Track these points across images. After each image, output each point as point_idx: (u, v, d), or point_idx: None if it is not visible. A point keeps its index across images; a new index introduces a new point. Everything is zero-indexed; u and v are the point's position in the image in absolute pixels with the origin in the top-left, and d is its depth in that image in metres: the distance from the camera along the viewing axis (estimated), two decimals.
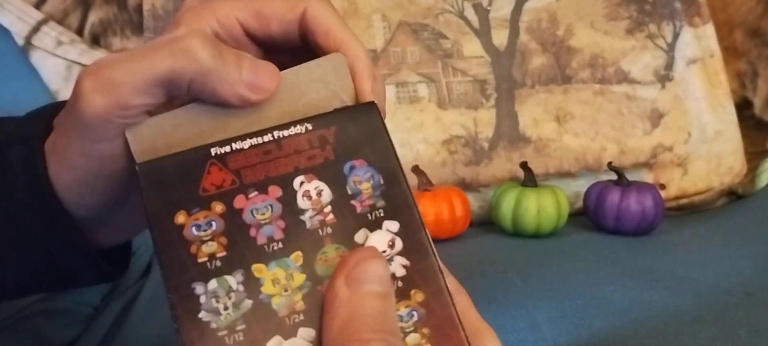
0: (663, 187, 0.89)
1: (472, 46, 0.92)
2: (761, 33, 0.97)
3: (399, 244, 0.24)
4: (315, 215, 0.24)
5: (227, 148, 0.24)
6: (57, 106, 0.30)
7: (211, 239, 0.22)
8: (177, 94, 0.25)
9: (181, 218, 0.23)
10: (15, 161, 0.27)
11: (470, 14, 0.93)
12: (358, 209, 0.24)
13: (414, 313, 0.22)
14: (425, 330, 0.22)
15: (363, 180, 0.24)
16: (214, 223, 0.23)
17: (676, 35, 0.94)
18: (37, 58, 0.85)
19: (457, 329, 0.22)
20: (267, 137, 0.24)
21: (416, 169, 0.80)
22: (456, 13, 0.93)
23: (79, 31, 0.89)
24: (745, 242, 0.72)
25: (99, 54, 0.87)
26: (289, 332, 0.22)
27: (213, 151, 0.24)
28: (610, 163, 0.81)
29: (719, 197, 0.90)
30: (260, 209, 0.23)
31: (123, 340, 0.52)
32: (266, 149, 0.24)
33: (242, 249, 0.23)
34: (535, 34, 0.93)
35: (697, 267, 0.62)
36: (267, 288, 0.22)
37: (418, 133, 0.88)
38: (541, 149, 0.89)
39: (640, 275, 0.59)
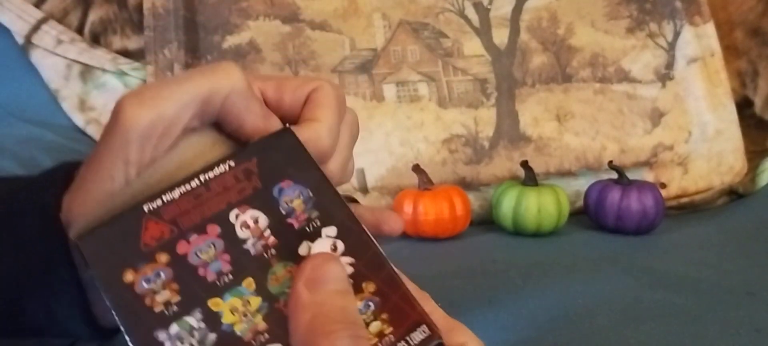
0: (664, 186, 0.89)
1: (473, 45, 0.92)
2: (762, 32, 0.97)
3: (341, 246, 0.25)
4: (257, 241, 0.25)
5: (158, 202, 0.25)
6: (69, 168, 0.30)
7: (163, 288, 0.23)
8: (211, 112, 0.27)
9: (129, 276, 0.23)
10: (29, 231, 0.28)
11: (471, 13, 0.93)
12: (296, 225, 0.25)
13: (370, 303, 0.24)
14: (384, 315, 0.24)
15: (294, 198, 0.26)
16: (162, 273, 0.24)
17: (676, 34, 0.94)
18: (37, 56, 0.85)
19: (413, 305, 0.24)
20: (194, 183, 0.25)
21: (417, 169, 0.80)
22: (456, 12, 0.93)
23: (79, 30, 0.88)
24: (746, 241, 0.72)
25: (99, 53, 0.86)
26: None
27: (146, 208, 0.25)
28: (610, 162, 0.81)
29: (720, 196, 0.90)
30: (203, 249, 0.24)
31: (123, 339, 0.52)
32: (196, 193, 0.25)
33: (195, 289, 0.24)
34: (536, 33, 0.93)
35: (698, 266, 0.62)
36: (227, 318, 0.23)
37: (418, 132, 0.88)
38: (542, 148, 0.89)
39: (641, 274, 0.59)
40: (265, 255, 0.25)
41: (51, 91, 0.86)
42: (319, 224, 0.25)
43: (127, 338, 0.23)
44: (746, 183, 0.91)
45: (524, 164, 0.80)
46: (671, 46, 0.93)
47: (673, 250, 0.70)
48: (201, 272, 0.24)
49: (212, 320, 0.23)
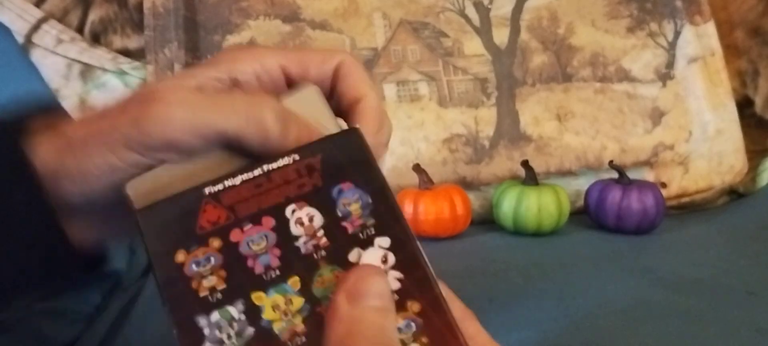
0: (664, 185, 0.89)
1: (473, 45, 0.92)
2: (762, 31, 0.97)
3: (391, 258, 0.24)
4: (309, 240, 0.25)
5: (220, 186, 0.25)
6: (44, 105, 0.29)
7: (211, 274, 0.24)
8: (228, 145, 0.27)
9: (180, 256, 0.24)
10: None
11: (471, 12, 0.93)
12: (350, 230, 0.25)
13: (412, 324, 0.23)
14: (424, 339, 0.23)
15: (352, 202, 0.25)
16: (212, 258, 0.24)
17: (677, 33, 0.94)
18: (37, 56, 0.85)
19: (456, 335, 0.23)
20: (257, 171, 0.26)
21: (417, 168, 0.80)
22: (457, 11, 0.93)
23: (80, 30, 0.88)
24: (747, 240, 0.72)
25: (99, 52, 0.86)
26: None
27: (207, 190, 0.25)
28: (611, 161, 0.81)
29: (720, 196, 0.90)
30: (256, 240, 0.24)
31: (124, 339, 0.52)
32: (257, 183, 0.25)
33: (241, 280, 0.24)
34: (536, 33, 0.93)
35: (699, 266, 0.62)
36: (268, 314, 0.23)
37: (418, 132, 0.88)
38: (542, 148, 0.89)
39: (642, 274, 0.59)
40: (315, 256, 0.24)
41: (51, 90, 0.85)
42: (373, 232, 0.25)
43: (169, 316, 0.23)
44: (747, 183, 0.91)
45: (525, 164, 0.80)
46: (672, 46, 0.93)
47: (674, 249, 0.70)
48: (250, 262, 0.24)
49: (253, 313, 0.23)
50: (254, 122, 0.26)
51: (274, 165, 0.26)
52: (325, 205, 0.25)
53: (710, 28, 0.94)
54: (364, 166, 0.26)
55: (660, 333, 0.46)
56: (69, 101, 0.86)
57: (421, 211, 0.76)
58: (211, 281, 0.24)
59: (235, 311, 0.23)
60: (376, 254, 0.24)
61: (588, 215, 0.80)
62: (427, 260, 0.25)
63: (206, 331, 0.23)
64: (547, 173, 0.88)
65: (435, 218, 0.76)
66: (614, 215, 0.76)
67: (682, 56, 0.93)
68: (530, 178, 0.79)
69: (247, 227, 0.25)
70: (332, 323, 0.22)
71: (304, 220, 0.25)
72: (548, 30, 0.93)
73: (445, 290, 0.25)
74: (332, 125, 0.29)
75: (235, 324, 0.23)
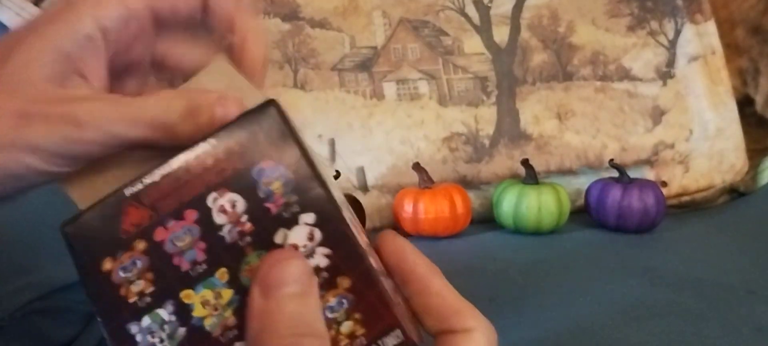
0: (665, 184, 0.89)
1: (473, 43, 0.92)
2: (763, 30, 0.97)
3: (318, 234, 0.23)
4: (233, 228, 0.24)
5: (140, 186, 0.24)
6: None
7: (138, 278, 0.23)
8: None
9: (107, 264, 0.23)
10: None
11: (471, 11, 0.93)
12: (273, 210, 0.24)
13: (343, 300, 0.23)
14: (357, 315, 0.23)
15: (273, 180, 0.24)
16: (138, 261, 0.23)
17: (677, 32, 0.93)
18: None
19: (388, 306, 0.23)
20: (175, 164, 0.24)
21: (417, 167, 0.79)
22: (457, 9, 0.93)
23: None
24: (747, 239, 0.72)
25: None
26: None
27: (127, 191, 0.24)
28: (611, 160, 0.81)
29: (721, 195, 0.90)
30: (180, 236, 0.24)
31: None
32: (176, 176, 0.24)
33: (169, 280, 0.23)
34: (536, 31, 0.93)
35: (699, 265, 0.62)
36: (198, 312, 0.23)
37: (418, 131, 0.88)
38: (543, 147, 0.89)
39: (642, 273, 0.59)
40: (240, 243, 0.23)
41: None
42: (297, 209, 0.24)
43: (101, 327, 0.23)
44: (747, 181, 0.91)
45: (525, 163, 0.79)
46: (672, 44, 0.93)
47: (674, 248, 0.70)
48: (176, 260, 0.23)
49: (183, 313, 0.23)
50: (161, 128, 0.25)
51: (192, 154, 0.24)
52: (247, 188, 0.24)
53: (711, 27, 0.94)
54: (284, 141, 0.24)
55: (660, 332, 0.46)
56: None
57: (421, 210, 0.76)
58: (139, 285, 0.23)
59: (165, 313, 0.23)
60: (302, 232, 0.23)
61: (588, 214, 0.80)
62: (355, 230, 0.24)
63: (138, 337, 0.23)
64: (548, 171, 0.88)
65: (435, 217, 0.75)
66: (615, 213, 0.76)
67: (683, 55, 0.93)
68: (530, 177, 0.79)
69: (171, 223, 0.24)
70: (249, 320, 0.21)
71: (226, 207, 0.24)
72: (548, 28, 0.93)
73: (424, 263, 0.24)
74: (249, 94, 0.27)
75: (166, 326, 0.23)
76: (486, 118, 0.89)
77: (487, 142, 0.89)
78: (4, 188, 0.25)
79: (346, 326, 0.22)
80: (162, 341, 0.22)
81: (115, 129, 0.24)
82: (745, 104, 0.96)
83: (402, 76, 0.90)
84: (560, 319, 0.49)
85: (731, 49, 0.97)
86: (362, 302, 0.23)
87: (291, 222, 0.23)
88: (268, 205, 0.24)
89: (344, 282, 0.23)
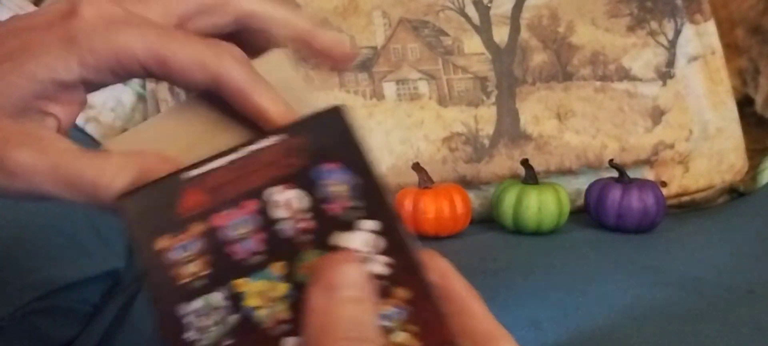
0: (664, 184, 0.89)
1: (473, 43, 0.92)
2: (762, 30, 0.97)
3: (380, 243, 0.23)
4: (293, 224, 0.24)
5: (202, 170, 0.24)
6: None
7: (193, 260, 0.23)
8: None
9: (162, 243, 0.23)
10: None
11: (471, 11, 0.93)
12: (336, 213, 0.24)
13: (400, 311, 0.22)
14: (412, 327, 0.22)
15: (338, 183, 0.24)
16: (194, 244, 0.23)
17: (677, 32, 0.93)
18: None
19: (445, 322, 0.22)
20: (240, 153, 0.24)
21: (417, 167, 0.79)
22: (457, 9, 0.93)
23: None
24: (747, 239, 0.72)
25: None
26: (275, 343, 0.22)
27: (188, 174, 0.24)
28: (611, 160, 0.81)
29: (721, 195, 0.90)
30: (239, 225, 0.23)
31: (122, 338, 0.52)
32: (240, 165, 0.24)
33: (223, 266, 0.23)
34: (536, 31, 0.93)
35: (699, 264, 0.62)
36: (250, 301, 0.22)
37: (418, 131, 0.88)
38: (542, 147, 0.89)
39: (642, 273, 0.59)
40: (299, 240, 0.23)
41: None
42: (360, 215, 0.24)
43: (150, 304, 0.22)
44: (747, 181, 0.91)
45: (525, 163, 0.79)
46: (672, 44, 0.93)
47: (674, 248, 0.70)
48: (232, 248, 0.23)
49: (235, 300, 0.22)
50: (93, 195, 0.24)
51: (258, 146, 0.25)
52: (310, 187, 0.24)
53: (710, 27, 0.94)
54: (350, 147, 0.25)
55: (660, 331, 0.46)
56: None
57: (420, 210, 0.76)
58: (192, 267, 0.23)
59: (217, 298, 0.22)
60: (362, 238, 0.23)
61: (588, 214, 0.80)
62: (416, 245, 0.24)
63: (187, 319, 0.22)
64: (547, 171, 0.88)
65: (435, 217, 0.75)
66: (614, 213, 0.76)
67: (683, 55, 0.93)
68: (530, 177, 0.79)
69: (230, 211, 0.24)
70: (306, 317, 0.21)
71: (287, 202, 0.24)
72: (548, 28, 0.93)
73: (465, 286, 0.24)
74: (305, 94, 0.27)
75: (217, 312, 0.22)
76: (486, 118, 0.90)
77: (486, 142, 0.89)
78: None
79: (400, 336, 0.22)
80: (211, 325, 0.22)
81: (43, 187, 0.24)
82: (744, 104, 0.96)
83: (402, 76, 0.90)
84: (560, 319, 0.49)
85: (731, 49, 0.97)
86: (419, 315, 0.22)
87: (352, 226, 0.23)
88: (330, 206, 0.24)
89: (402, 293, 0.23)
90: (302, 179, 0.24)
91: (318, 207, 0.24)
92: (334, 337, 0.20)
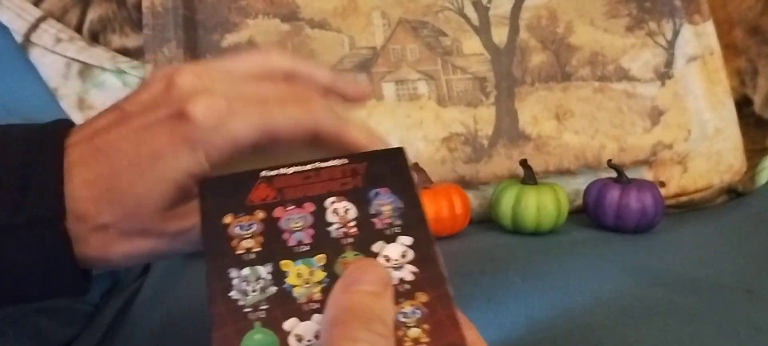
0: (663, 184, 0.89)
1: (472, 44, 0.92)
2: (761, 30, 0.97)
3: (411, 254, 0.27)
4: (340, 228, 0.28)
5: (275, 172, 0.30)
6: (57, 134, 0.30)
7: (250, 238, 0.28)
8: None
9: (228, 219, 0.28)
10: (38, 246, 0.29)
11: (470, 12, 0.93)
12: (378, 226, 0.28)
13: (417, 311, 0.25)
14: (426, 326, 0.25)
15: (385, 204, 0.29)
16: (254, 226, 0.28)
17: (676, 33, 0.94)
18: (35, 55, 0.85)
19: (457, 327, 0.25)
20: (309, 166, 0.30)
21: (416, 167, 0.80)
22: (456, 10, 0.93)
23: (78, 29, 0.88)
24: (746, 239, 0.72)
25: (98, 51, 0.86)
26: (305, 316, 0.25)
27: (262, 173, 0.30)
28: (609, 160, 0.81)
29: (719, 195, 0.90)
30: (295, 219, 0.28)
31: (122, 338, 0.52)
32: (307, 175, 0.30)
33: (274, 248, 0.27)
34: (535, 32, 0.93)
35: (698, 265, 0.62)
36: (291, 279, 0.26)
37: (417, 131, 0.88)
38: (541, 147, 0.89)
39: (640, 273, 0.59)
40: (343, 241, 0.28)
41: (50, 89, 0.85)
42: (399, 231, 0.28)
43: (206, 265, 0.26)
44: (746, 182, 0.91)
45: (523, 163, 0.80)
46: (670, 45, 0.93)
47: (673, 248, 0.70)
48: (285, 236, 0.28)
49: (278, 276, 0.26)
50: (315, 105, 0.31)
51: (324, 164, 0.30)
52: (361, 202, 0.29)
53: (709, 27, 0.94)
54: (401, 178, 0.30)
55: (658, 332, 0.46)
56: (68, 100, 0.86)
57: None
58: (248, 243, 0.27)
59: (263, 270, 0.27)
60: (397, 249, 0.27)
61: (587, 214, 0.80)
62: (442, 264, 0.27)
63: (235, 281, 0.26)
64: (546, 172, 0.88)
65: (434, 217, 0.76)
66: (613, 214, 0.76)
67: (681, 55, 0.93)
68: (529, 177, 0.79)
69: (290, 207, 0.29)
70: (328, 307, 0.24)
71: (340, 210, 0.29)
72: (547, 29, 0.93)
73: (461, 316, 0.26)
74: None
75: (260, 281, 0.26)
76: (485, 118, 0.90)
77: (485, 142, 0.89)
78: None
79: (414, 332, 0.25)
80: (254, 291, 0.26)
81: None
82: (743, 105, 0.96)
83: (401, 76, 0.90)
84: (558, 318, 0.49)
85: (729, 49, 0.97)
86: (434, 317, 0.25)
87: (390, 239, 0.28)
88: (375, 220, 0.29)
89: (422, 297, 0.26)
90: (356, 196, 0.29)
91: (365, 220, 0.29)
92: (345, 322, 0.23)
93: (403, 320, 0.25)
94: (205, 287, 0.26)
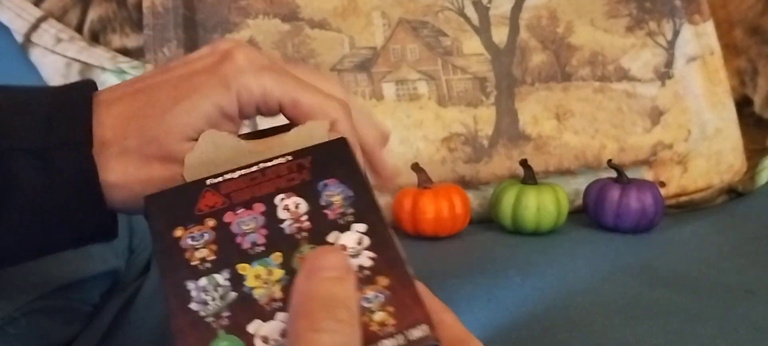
0: (663, 184, 0.89)
1: (472, 44, 0.92)
2: (761, 30, 0.97)
3: (366, 241, 0.27)
4: (293, 223, 0.28)
5: (220, 178, 0.29)
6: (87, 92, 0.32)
7: (203, 247, 0.27)
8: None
9: (178, 232, 0.27)
10: (65, 169, 0.30)
11: (470, 12, 0.93)
12: (331, 216, 0.28)
13: (379, 295, 0.26)
14: (390, 308, 0.25)
15: (335, 194, 0.29)
16: (206, 234, 0.28)
17: (676, 33, 0.94)
18: (36, 55, 0.85)
19: (421, 305, 0.25)
20: (254, 168, 0.30)
21: (416, 167, 0.80)
22: (456, 10, 0.93)
23: (79, 29, 0.88)
24: (745, 239, 0.73)
25: (98, 51, 0.86)
26: (269, 316, 0.25)
27: (208, 181, 0.29)
28: (609, 160, 0.81)
29: (719, 195, 0.90)
30: (246, 221, 0.28)
31: (123, 337, 0.52)
32: (253, 176, 0.30)
33: (229, 253, 0.27)
34: (535, 32, 0.93)
35: (697, 265, 0.62)
36: (250, 282, 0.26)
37: (417, 131, 0.88)
38: (541, 147, 0.89)
39: (640, 273, 0.59)
40: (297, 236, 0.27)
41: None
42: (351, 219, 0.28)
43: (161, 281, 0.26)
44: (745, 182, 0.91)
45: (523, 163, 0.80)
46: (671, 45, 0.93)
47: (672, 248, 0.70)
48: (238, 239, 0.27)
49: (236, 281, 0.26)
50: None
51: (269, 163, 0.30)
52: (311, 195, 0.29)
53: (709, 27, 0.94)
54: (348, 167, 0.30)
55: (658, 331, 0.46)
56: None
57: (420, 210, 0.76)
58: (202, 253, 0.27)
59: (220, 278, 0.26)
60: (352, 237, 0.27)
61: (587, 214, 0.80)
62: (399, 245, 0.27)
63: (193, 293, 0.26)
64: (546, 172, 0.88)
65: (434, 217, 0.76)
66: (613, 214, 0.76)
67: (681, 55, 0.93)
68: (529, 177, 0.79)
69: (240, 210, 0.28)
70: (292, 298, 0.24)
71: (290, 206, 0.28)
72: (547, 29, 0.93)
73: (436, 302, 0.27)
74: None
75: (219, 289, 0.26)
76: (485, 118, 0.90)
77: (486, 142, 0.89)
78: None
79: (379, 316, 0.25)
80: (213, 299, 0.26)
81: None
82: (743, 105, 0.96)
83: (401, 76, 0.90)
84: (558, 318, 0.49)
85: (729, 49, 0.97)
86: (396, 298, 0.25)
87: (344, 228, 0.28)
88: (326, 211, 0.28)
89: (383, 280, 0.26)
90: (305, 190, 0.29)
91: (317, 212, 0.28)
92: (312, 307, 0.23)
93: (366, 305, 0.25)
94: (164, 303, 0.25)
